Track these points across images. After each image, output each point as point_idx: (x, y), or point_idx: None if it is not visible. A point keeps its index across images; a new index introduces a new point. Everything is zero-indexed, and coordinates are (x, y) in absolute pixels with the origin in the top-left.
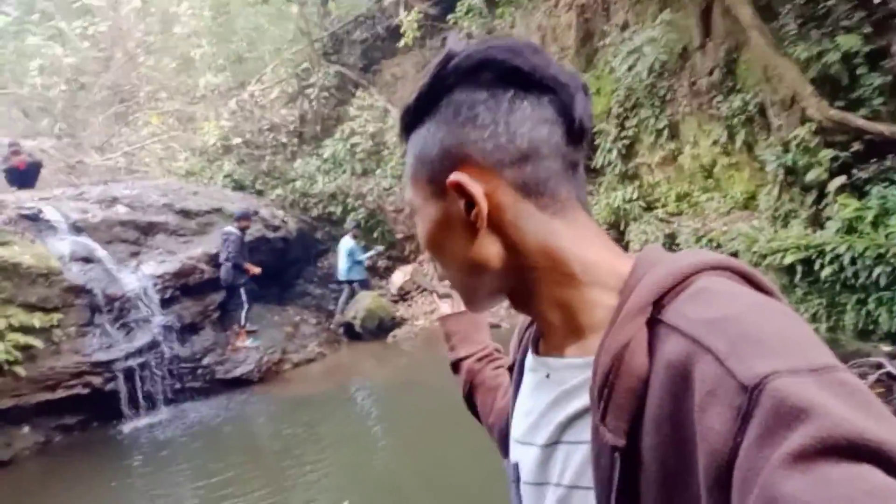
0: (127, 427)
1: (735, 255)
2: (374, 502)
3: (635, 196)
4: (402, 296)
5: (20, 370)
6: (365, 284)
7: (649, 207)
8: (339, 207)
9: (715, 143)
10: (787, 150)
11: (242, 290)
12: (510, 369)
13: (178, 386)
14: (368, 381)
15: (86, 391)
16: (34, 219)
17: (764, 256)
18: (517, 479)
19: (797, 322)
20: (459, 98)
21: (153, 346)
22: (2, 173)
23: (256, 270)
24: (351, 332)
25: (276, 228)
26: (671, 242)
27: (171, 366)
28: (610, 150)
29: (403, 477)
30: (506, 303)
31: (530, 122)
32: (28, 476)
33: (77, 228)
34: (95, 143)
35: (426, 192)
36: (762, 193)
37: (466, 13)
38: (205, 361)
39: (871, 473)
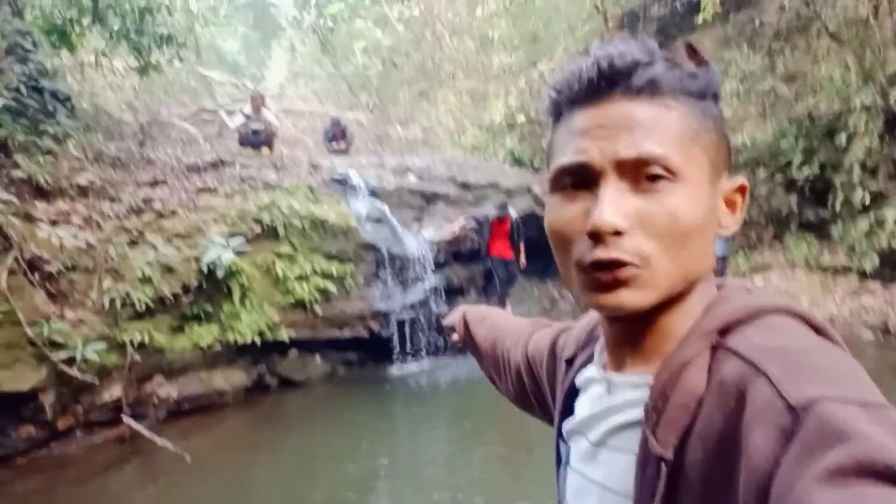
0: (395, 371)
1: None
2: None
3: None
4: None
5: (318, 309)
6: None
7: None
8: None
9: None
10: None
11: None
12: (569, 362)
13: (440, 342)
14: None
15: (366, 334)
16: (342, 182)
17: None
18: (567, 462)
19: (856, 366)
20: (715, 109)
21: (423, 303)
22: (327, 142)
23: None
24: None
25: (545, 205)
26: None
27: (437, 323)
28: None
29: None
30: None
31: None
32: (318, 397)
33: (374, 193)
34: (400, 117)
35: (704, 171)
36: None
37: None
38: None
39: None
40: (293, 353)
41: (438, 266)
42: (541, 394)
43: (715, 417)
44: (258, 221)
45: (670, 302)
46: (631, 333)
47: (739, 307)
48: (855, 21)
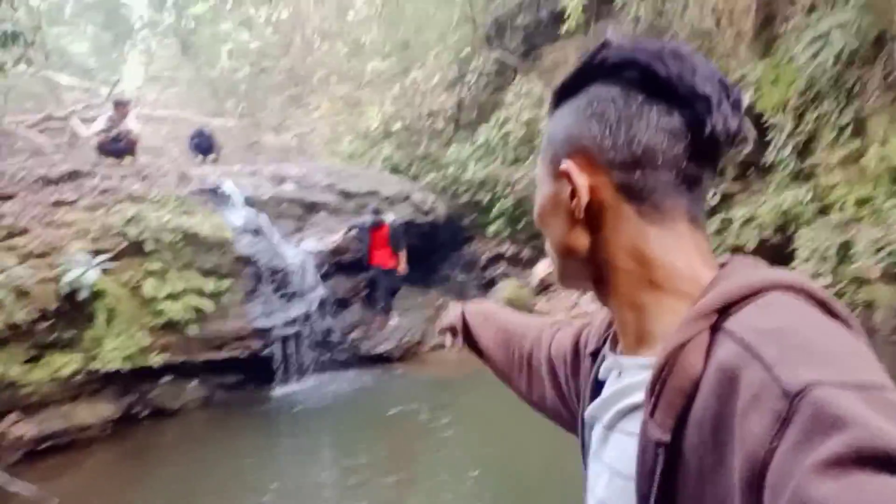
0: (278, 391)
1: None
2: (502, 488)
3: (808, 198)
4: (544, 288)
5: (193, 329)
6: None
7: (823, 211)
8: (487, 195)
9: None
10: None
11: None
12: (593, 355)
13: (325, 357)
14: None
15: (245, 354)
16: (215, 192)
17: None
18: (590, 449)
19: (856, 344)
20: (596, 91)
21: (306, 317)
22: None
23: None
24: None
25: (426, 213)
26: (845, 252)
27: (321, 338)
28: (783, 147)
29: (532, 460)
30: None
31: (652, 129)
32: (194, 425)
33: (250, 203)
34: (272, 124)
35: (546, 170)
36: None
37: None
38: (351, 336)
39: None
40: (166, 378)
41: (322, 278)
42: (562, 397)
43: (711, 401)
44: (123, 236)
45: (597, 280)
46: (613, 314)
47: (739, 285)
48: (701, 32)
